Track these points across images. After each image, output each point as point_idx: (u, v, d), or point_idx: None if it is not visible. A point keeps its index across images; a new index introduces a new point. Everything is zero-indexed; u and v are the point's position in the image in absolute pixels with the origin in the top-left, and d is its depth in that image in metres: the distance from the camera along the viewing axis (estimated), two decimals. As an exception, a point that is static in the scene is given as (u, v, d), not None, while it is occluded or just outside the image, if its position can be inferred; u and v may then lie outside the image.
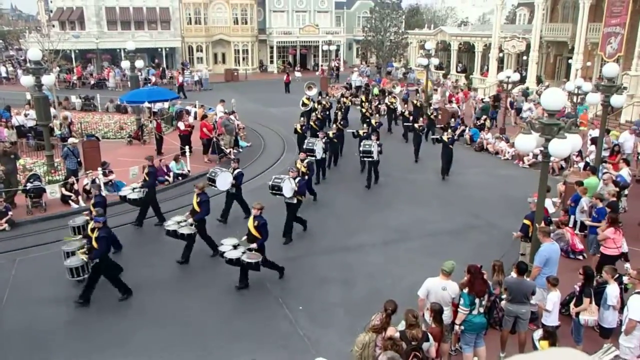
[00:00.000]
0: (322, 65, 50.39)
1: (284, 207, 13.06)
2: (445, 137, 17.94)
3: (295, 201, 12.93)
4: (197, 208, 11.73)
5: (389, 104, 26.68)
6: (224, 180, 13.47)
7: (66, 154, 16.38)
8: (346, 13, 57.63)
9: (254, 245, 10.50)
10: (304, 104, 24.63)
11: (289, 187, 12.72)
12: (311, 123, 20.50)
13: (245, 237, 10.78)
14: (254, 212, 10.61)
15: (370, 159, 16.90)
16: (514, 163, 20.22)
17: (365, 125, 20.25)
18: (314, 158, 16.44)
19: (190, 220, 11.69)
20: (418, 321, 6.96)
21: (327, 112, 24.13)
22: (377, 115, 21.75)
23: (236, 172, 13.88)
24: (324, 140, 17.38)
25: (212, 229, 12.48)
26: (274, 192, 12.91)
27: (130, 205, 13.95)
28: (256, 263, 10.34)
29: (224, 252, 10.58)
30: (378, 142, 17.04)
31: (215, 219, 13.59)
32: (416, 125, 20.59)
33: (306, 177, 14.43)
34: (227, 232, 12.58)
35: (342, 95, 28.91)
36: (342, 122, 20.80)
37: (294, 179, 12.98)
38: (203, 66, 47.01)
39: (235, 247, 10.76)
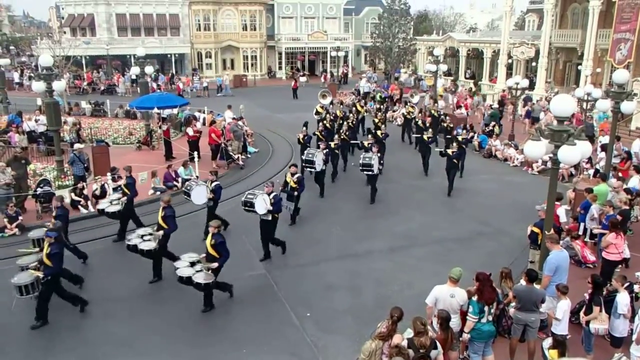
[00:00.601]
0: (325, 72, 50.57)
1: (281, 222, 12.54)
2: (449, 151, 17.10)
3: (270, 218, 11.94)
4: (162, 223, 11.03)
5: (406, 113, 25.12)
6: (199, 194, 12.51)
7: (72, 159, 16.44)
8: (354, 19, 57.79)
9: (215, 265, 9.87)
10: (317, 113, 23.56)
11: (262, 204, 11.73)
12: (317, 133, 19.17)
13: (204, 255, 10.11)
14: (211, 230, 9.91)
15: (370, 172, 16.02)
16: (523, 170, 20.11)
17: (370, 136, 19.44)
18: (313, 170, 16.00)
19: (159, 233, 11.05)
20: (426, 329, 6.92)
21: (341, 122, 22.43)
22: (383, 126, 20.64)
23: (214, 185, 13.04)
24: (324, 151, 16.61)
25: (196, 246, 11.52)
26: (246, 208, 11.94)
27: (109, 218, 13.30)
28: (206, 284, 9.73)
29: (177, 268, 10.00)
30: (379, 155, 16.38)
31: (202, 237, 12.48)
32: (425, 137, 19.32)
33: (296, 192, 13.91)
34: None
35: (354, 105, 27.16)
36: (347, 133, 19.75)
37: (269, 194, 11.96)
38: (225, 72, 47.22)
39: (193, 264, 10.07)
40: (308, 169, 16.39)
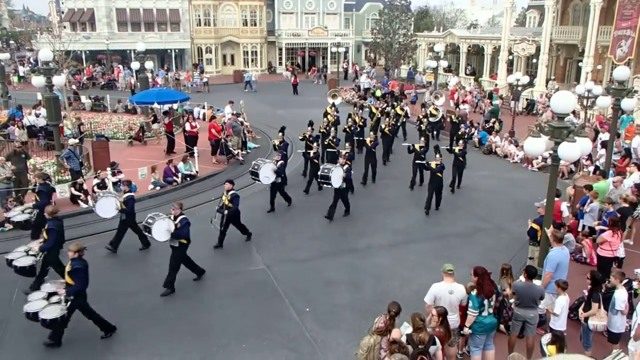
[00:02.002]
0: (315, 66, 50.89)
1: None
2: (456, 149, 16.90)
3: (177, 244, 10.57)
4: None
5: (427, 114, 22.47)
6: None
7: (67, 154, 16.39)
8: (355, 15, 57.64)
9: (63, 292, 8.67)
10: (326, 115, 21.71)
11: (162, 228, 10.50)
12: (328, 141, 17.83)
13: (63, 281, 9.02)
14: (70, 255, 8.67)
15: (330, 186, 14.18)
16: (523, 166, 20.12)
17: (347, 144, 16.70)
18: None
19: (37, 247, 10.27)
20: (425, 325, 6.94)
21: (357, 129, 20.59)
22: (372, 134, 17.96)
23: (126, 196, 12.18)
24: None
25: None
26: (145, 231, 11.19)
27: (19, 229, 12.58)
28: (52, 320, 8.47)
29: (27, 294, 9.20)
30: (345, 167, 14.27)
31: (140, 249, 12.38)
32: (416, 146, 16.66)
33: (226, 210, 12.24)
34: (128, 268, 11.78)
35: (362, 107, 25.24)
36: (334, 139, 17.92)
37: (175, 217, 10.54)
38: (253, 69, 46.88)
39: (48, 296, 8.91)
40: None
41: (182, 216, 10.59)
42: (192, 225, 10.76)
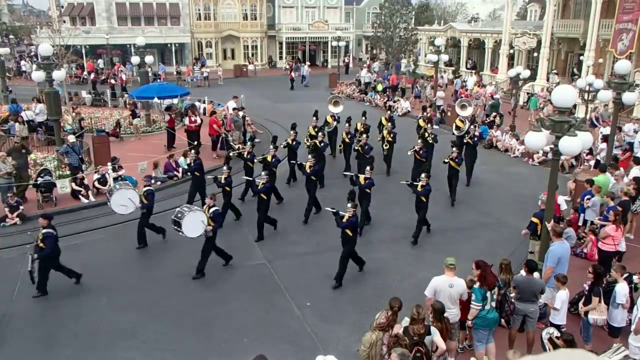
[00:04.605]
0: (287, 60, 50.97)
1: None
2: (469, 140, 16.68)
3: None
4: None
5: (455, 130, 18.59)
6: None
7: (65, 150, 16.36)
8: (355, 9, 57.42)
9: None
10: (326, 123, 19.52)
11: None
12: (359, 147, 16.07)
13: None
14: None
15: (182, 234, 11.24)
16: (524, 161, 20.08)
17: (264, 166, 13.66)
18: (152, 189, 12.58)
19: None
20: (420, 316, 6.90)
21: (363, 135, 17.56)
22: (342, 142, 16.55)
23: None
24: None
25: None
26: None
27: None
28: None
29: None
30: (213, 209, 11.16)
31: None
32: (411, 152, 15.76)
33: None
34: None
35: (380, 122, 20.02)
36: (366, 146, 15.79)
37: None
38: (307, 63, 46.31)
39: None
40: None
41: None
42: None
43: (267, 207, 12.91)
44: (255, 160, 15.32)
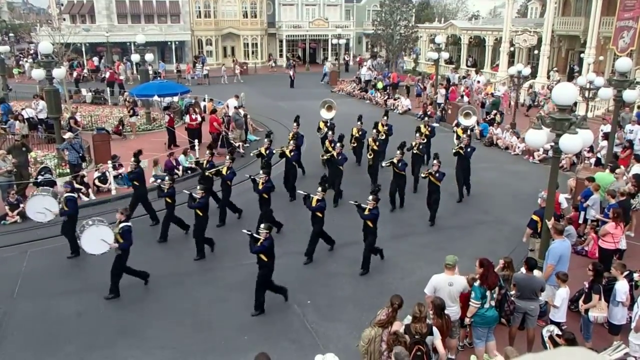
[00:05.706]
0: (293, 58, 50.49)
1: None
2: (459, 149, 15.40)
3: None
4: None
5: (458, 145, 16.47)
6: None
7: (64, 147, 16.33)
8: (356, 7, 57.33)
9: None
10: (319, 129, 19.05)
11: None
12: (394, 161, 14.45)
13: None
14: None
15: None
16: (524, 158, 20.07)
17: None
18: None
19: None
20: (422, 315, 6.91)
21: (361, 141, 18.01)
22: (339, 145, 15.28)
23: (122, 225, 10.37)
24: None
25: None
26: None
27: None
28: None
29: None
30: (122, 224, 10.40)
31: None
32: (394, 160, 14.28)
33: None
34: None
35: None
36: (399, 163, 14.40)
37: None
38: (329, 61, 46.18)
39: None
40: None
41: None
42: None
43: (269, 205, 12.94)
44: (252, 154, 15.65)
